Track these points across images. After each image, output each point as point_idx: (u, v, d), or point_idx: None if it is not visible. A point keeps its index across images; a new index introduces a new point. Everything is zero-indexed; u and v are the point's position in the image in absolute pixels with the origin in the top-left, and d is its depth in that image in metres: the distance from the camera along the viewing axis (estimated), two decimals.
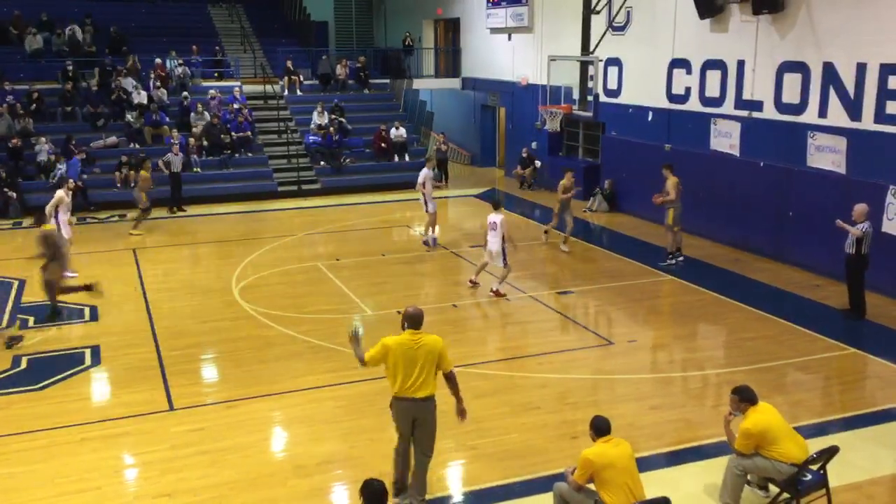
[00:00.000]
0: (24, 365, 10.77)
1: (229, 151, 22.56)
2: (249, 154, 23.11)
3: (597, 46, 20.07)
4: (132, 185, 19.32)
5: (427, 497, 7.33)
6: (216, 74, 26.10)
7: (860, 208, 11.88)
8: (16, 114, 21.55)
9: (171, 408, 9.49)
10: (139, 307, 13.05)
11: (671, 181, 14.66)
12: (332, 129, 23.70)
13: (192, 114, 23.09)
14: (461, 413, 7.31)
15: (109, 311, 12.89)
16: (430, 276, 15.07)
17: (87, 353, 11.17)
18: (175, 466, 8.11)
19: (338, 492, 7.73)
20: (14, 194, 19.66)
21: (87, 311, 12.90)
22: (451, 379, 7.19)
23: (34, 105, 22.18)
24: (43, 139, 20.94)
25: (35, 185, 20.37)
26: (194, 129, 22.77)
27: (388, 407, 7.22)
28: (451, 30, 29.22)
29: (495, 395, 9.66)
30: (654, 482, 7.17)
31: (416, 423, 7.10)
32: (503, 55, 25.15)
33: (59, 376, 10.34)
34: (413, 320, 7.09)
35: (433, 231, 16.90)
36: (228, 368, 10.75)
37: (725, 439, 7.31)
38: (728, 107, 16.62)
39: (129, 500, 7.65)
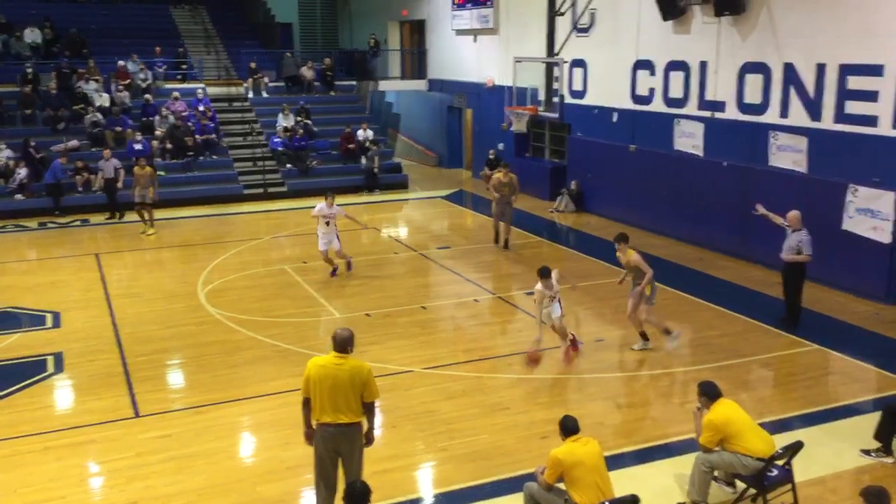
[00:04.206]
0: None
1: (193, 154, 22.31)
2: (214, 157, 22.87)
3: (562, 48, 20.19)
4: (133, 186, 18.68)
5: (399, 499, 7.29)
6: (179, 76, 25.80)
7: (794, 215, 11.53)
8: None
9: (137, 415, 9.36)
10: (103, 313, 12.85)
11: (635, 256, 10.99)
12: (298, 131, 23.55)
13: (156, 116, 22.79)
14: (369, 441, 6.83)
15: (72, 317, 12.67)
16: (399, 278, 15.04)
17: (50, 360, 10.97)
18: (142, 474, 8.00)
19: (307, 496, 7.67)
20: None
21: (49, 317, 12.67)
22: (369, 409, 6.68)
23: None
24: (3, 144, 20.54)
25: None
26: (157, 132, 22.48)
27: None
28: (416, 31, 29.20)
29: (465, 397, 9.67)
30: (622, 480, 7.23)
31: (339, 453, 6.65)
32: (469, 57, 25.20)
33: (20, 384, 10.14)
34: (336, 342, 6.58)
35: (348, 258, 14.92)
36: (195, 374, 10.63)
37: (692, 436, 7.40)
38: (691, 107, 16.83)
39: None
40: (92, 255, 16.42)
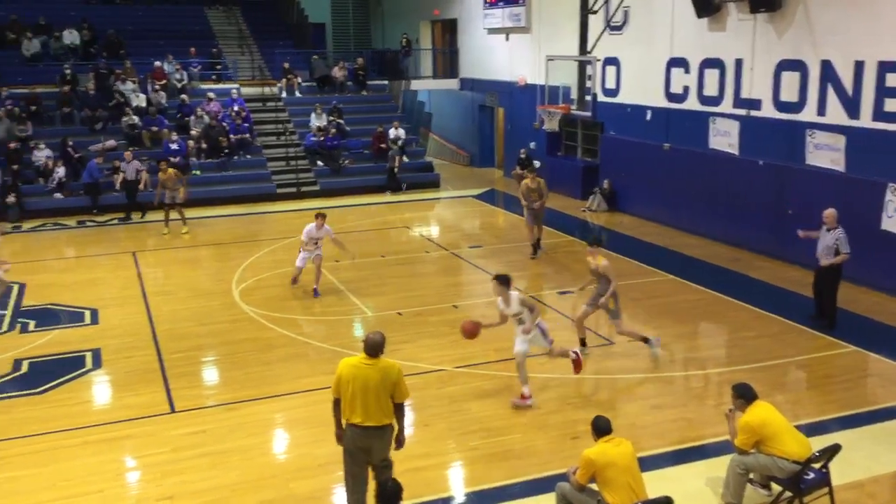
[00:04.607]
0: (25, 369, 10.77)
1: (227, 153, 22.55)
2: (248, 156, 23.11)
3: (594, 46, 20.06)
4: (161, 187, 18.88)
5: (429, 497, 7.29)
6: (214, 77, 26.09)
7: (831, 213, 11.37)
8: (14, 118, 21.53)
9: (173, 410, 9.49)
10: (139, 310, 13.05)
11: (604, 263, 10.63)
12: (330, 130, 23.70)
13: (192, 116, 23.08)
14: (399, 443, 6.83)
15: (110, 314, 12.88)
16: (431, 276, 15.07)
17: (88, 356, 11.16)
18: (177, 469, 8.11)
19: (339, 493, 7.72)
20: (14, 198, 19.65)
21: (87, 314, 12.90)
22: (399, 410, 6.66)
23: (34, 108, 22.18)
24: (42, 144, 20.95)
25: (34, 188, 20.37)
26: (193, 132, 22.77)
27: None
28: (448, 30, 29.22)
29: (497, 396, 9.66)
30: (656, 481, 7.17)
31: (368, 452, 6.63)
32: (501, 55, 25.16)
33: (60, 380, 10.33)
34: (367, 346, 6.55)
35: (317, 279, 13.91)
36: (229, 370, 10.75)
37: (727, 438, 7.32)
38: (727, 105, 16.63)
39: (131, 503, 7.65)
40: (129, 253, 16.67)
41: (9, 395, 9.95)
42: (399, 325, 12.10)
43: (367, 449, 6.64)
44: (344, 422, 6.70)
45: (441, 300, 13.43)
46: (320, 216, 13.50)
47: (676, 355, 11.07)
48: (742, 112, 16.23)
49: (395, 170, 23.24)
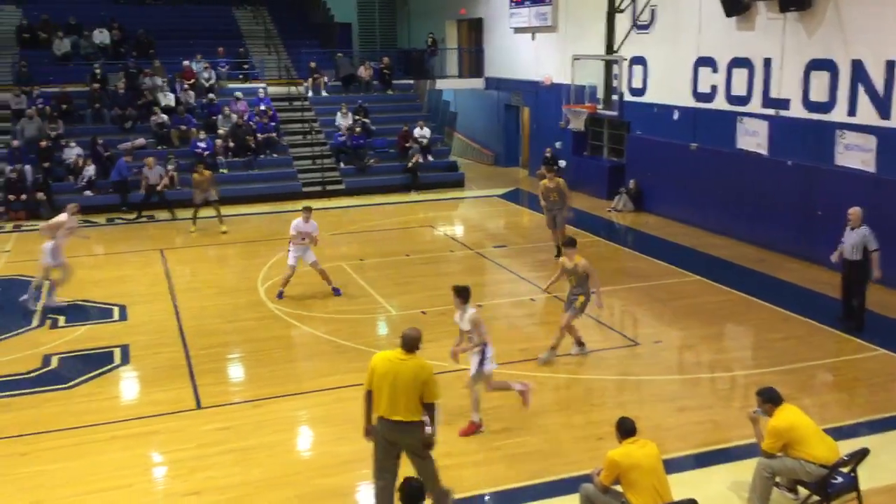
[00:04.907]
0: (54, 364, 10.94)
1: (254, 152, 22.72)
2: (274, 155, 23.27)
3: (621, 45, 19.99)
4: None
5: (453, 496, 7.29)
6: (241, 76, 26.30)
7: (856, 212, 11.25)
8: (45, 116, 21.86)
9: (199, 406, 9.59)
10: (167, 307, 13.19)
11: (583, 262, 10.38)
12: (356, 129, 23.80)
13: (219, 116, 23.29)
14: (427, 444, 6.80)
15: (138, 310, 13.04)
16: (455, 275, 15.03)
17: (117, 352, 11.31)
18: (203, 465, 8.20)
19: (362, 490, 7.76)
20: (44, 196, 19.94)
21: (116, 310, 13.06)
22: (429, 410, 6.68)
23: (65, 106, 22.51)
24: (73, 142, 21.24)
25: (64, 186, 20.66)
26: (220, 131, 22.97)
27: None
28: (474, 30, 29.21)
29: (519, 396, 9.62)
30: (681, 484, 7.12)
31: (396, 445, 6.71)
32: (527, 55, 25.11)
33: (89, 375, 10.48)
34: (404, 341, 6.66)
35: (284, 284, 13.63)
36: (254, 368, 10.85)
37: (753, 441, 7.25)
38: (755, 105, 16.46)
39: (158, 497, 7.75)
40: (157, 251, 16.86)
41: (39, 389, 10.10)
42: (423, 325, 11.98)
43: (395, 443, 6.72)
44: (374, 416, 6.75)
45: None
46: (307, 210, 13.45)
47: (702, 357, 10.98)
48: (771, 112, 16.05)
49: (411, 165, 23.22)
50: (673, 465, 7.58)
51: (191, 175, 19.05)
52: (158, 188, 20.17)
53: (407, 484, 5.63)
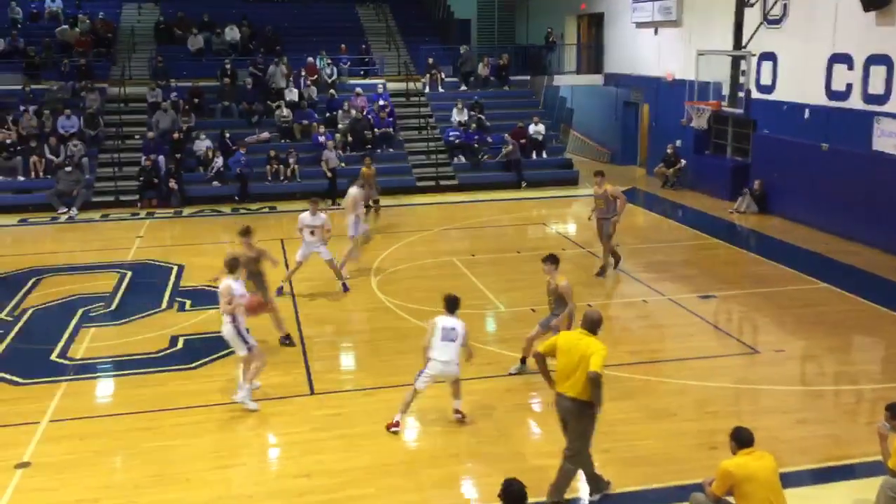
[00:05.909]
0: (180, 345, 11.53)
1: (371, 147, 23.17)
2: (390, 150, 23.67)
3: (750, 40, 19.22)
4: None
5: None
6: (362, 72, 26.87)
7: None
8: (179, 109, 23.05)
9: (312, 392, 9.89)
10: (285, 295, 13.63)
11: (564, 283, 10.04)
12: (471, 125, 23.89)
13: (339, 111, 23.88)
14: (589, 415, 7.22)
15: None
16: (565, 274, 14.75)
17: None
18: (314, 448, 8.45)
19: (466, 484, 7.80)
20: (176, 185, 21.03)
21: None
22: (591, 380, 6.89)
23: (196, 100, 23.67)
24: (203, 135, 22.29)
25: (194, 176, 21.71)
26: (340, 126, 23.56)
27: (517, 404, 7.21)
28: (594, 25, 28.77)
29: (630, 399, 9.45)
30: (798, 499, 6.82)
31: (567, 422, 7.19)
32: (648, 50, 24.52)
33: (213, 356, 10.99)
34: (585, 320, 7.22)
35: (345, 267, 14.13)
36: (366, 357, 11.09)
37: (878, 458, 6.84)
38: (894, 105, 15.49)
39: (271, 477, 8.05)
40: (277, 240, 17.45)
41: (164, 368, 10.69)
42: (533, 322, 11.99)
43: (564, 420, 7.20)
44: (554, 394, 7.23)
45: (575, 298, 13.18)
46: (314, 202, 13.17)
47: (826, 368, 10.44)
48: None
49: (506, 160, 22.99)
50: (790, 480, 7.25)
51: (359, 169, 19.22)
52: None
53: (510, 485, 5.54)
